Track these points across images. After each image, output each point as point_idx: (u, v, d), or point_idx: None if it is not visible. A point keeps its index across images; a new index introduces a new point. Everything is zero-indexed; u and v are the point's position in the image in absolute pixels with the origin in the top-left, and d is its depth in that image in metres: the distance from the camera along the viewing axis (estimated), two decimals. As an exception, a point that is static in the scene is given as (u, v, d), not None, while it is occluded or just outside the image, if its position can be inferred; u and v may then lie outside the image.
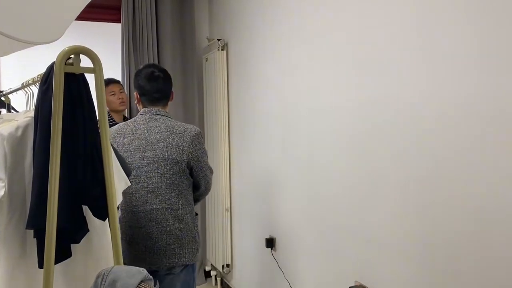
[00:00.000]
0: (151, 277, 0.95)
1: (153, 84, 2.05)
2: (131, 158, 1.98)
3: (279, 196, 2.64)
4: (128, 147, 1.99)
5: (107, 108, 2.96)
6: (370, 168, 1.84)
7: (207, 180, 2.12)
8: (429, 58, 1.53)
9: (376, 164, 1.81)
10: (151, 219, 1.98)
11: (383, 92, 1.75)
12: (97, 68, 1.33)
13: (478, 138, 1.36)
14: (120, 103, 3.20)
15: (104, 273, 0.94)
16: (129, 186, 1.93)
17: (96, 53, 1.33)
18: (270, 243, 2.74)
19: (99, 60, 1.33)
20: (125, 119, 3.23)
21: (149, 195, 1.98)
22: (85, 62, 1.34)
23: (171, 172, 1.98)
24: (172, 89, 2.16)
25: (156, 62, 3.55)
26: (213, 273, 3.73)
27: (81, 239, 1.43)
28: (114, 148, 1.75)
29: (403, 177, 1.66)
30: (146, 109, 2.06)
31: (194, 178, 2.08)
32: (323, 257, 2.20)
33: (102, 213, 1.41)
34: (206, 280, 3.87)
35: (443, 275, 1.50)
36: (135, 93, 2.12)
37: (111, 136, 2.00)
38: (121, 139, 2.01)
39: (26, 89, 1.90)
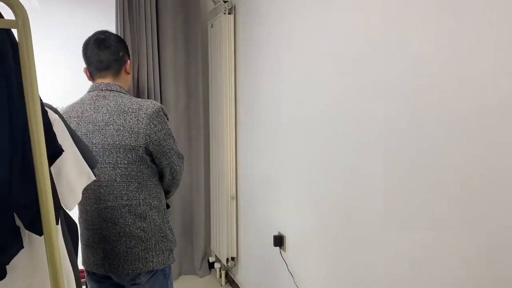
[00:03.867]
0: None
1: (96, 49, 1.68)
2: None
3: (291, 187, 2.23)
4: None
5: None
6: (402, 167, 1.41)
7: (174, 168, 1.73)
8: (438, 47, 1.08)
9: (407, 164, 1.38)
10: (106, 219, 1.64)
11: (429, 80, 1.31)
12: (20, 22, 0.91)
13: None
14: None
15: None
16: None
17: (19, 1, 0.92)
18: (279, 241, 2.35)
19: (23, 10, 0.92)
20: None
21: (101, 190, 1.62)
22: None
23: (126, 161, 1.61)
24: (130, 58, 1.80)
25: (155, 30, 3.11)
26: (217, 265, 3.38)
27: (10, 260, 1.05)
28: (73, 133, 1.37)
29: (439, 180, 1.23)
30: (94, 84, 1.69)
31: (157, 166, 1.71)
32: (340, 264, 1.80)
33: (35, 225, 1.02)
34: (210, 271, 3.53)
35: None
36: (84, 69, 1.73)
37: None
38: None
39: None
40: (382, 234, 1.54)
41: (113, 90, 1.66)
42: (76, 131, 1.62)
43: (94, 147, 1.61)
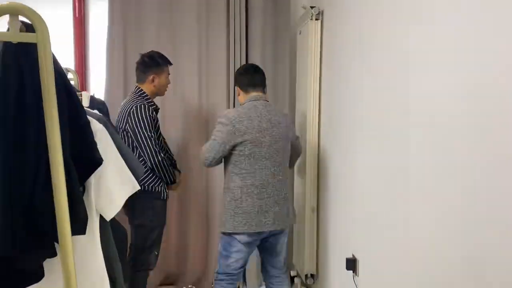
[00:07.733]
0: None
1: (255, 73, 2.47)
2: (262, 138, 2.32)
3: (376, 205, 2.03)
4: (259, 127, 2.31)
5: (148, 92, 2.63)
6: None
7: (300, 150, 2.67)
8: None
9: None
10: (278, 188, 2.38)
11: None
12: (40, 36, 0.93)
13: None
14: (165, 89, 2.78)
15: None
16: (260, 163, 2.31)
17: (40, 15, 0.93)
18: (352, 265, 2.16)
19: (43, 24, 0.93)
20: None
21: (276, 168, 2.37)
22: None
23: (288, 148, 2.45)
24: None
25: (244, 37, 3.13)
26: (297, 280, 3.25)
27: (36, 265, 1.08)
28: (119, 145, 1.39)
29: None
30: (258, 95, 2.41)
31: (294, 150, 2.56)
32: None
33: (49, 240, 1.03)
34: (291, 285, 3.42)
35: None
36: (237, 88, 2.53)
37: (233, 120, 2.29)
38: (249, 121, 2.31)
39: None
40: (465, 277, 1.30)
41: (267, 101, 2.47)
42: (260, 126, 2.30)
43: (273, 138, 2.34)
